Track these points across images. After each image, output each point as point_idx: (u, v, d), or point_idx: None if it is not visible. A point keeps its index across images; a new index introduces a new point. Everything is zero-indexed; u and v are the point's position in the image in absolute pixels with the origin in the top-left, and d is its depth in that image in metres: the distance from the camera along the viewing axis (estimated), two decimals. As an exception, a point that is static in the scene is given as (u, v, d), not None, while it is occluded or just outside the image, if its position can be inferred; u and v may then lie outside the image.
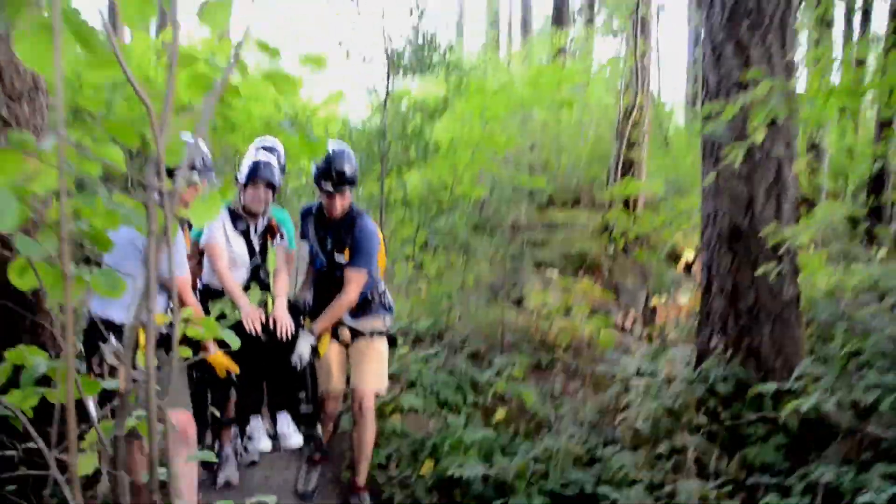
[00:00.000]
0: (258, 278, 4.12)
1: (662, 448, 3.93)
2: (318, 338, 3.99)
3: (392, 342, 4.28)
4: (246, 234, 4.03)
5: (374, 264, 4.01)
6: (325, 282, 4.09)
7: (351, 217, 3.99)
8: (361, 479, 4.10)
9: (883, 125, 9.42)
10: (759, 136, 3.17)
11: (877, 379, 3.57)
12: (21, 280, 1.39)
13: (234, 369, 3.61)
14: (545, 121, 14.29)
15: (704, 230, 4.56)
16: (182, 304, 3.32)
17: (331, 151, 3.88)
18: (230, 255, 3.96)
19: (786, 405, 3.66)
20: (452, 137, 7.48)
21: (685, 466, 3.70)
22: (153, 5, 1.20)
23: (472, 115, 8.01)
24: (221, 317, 3.76)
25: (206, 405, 3.94)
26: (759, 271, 4.08)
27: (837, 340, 4.30)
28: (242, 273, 4.04)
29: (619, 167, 12.99)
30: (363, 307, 4.08)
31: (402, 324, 6.55)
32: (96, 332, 3.22)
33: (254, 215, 3.99)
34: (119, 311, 3.25)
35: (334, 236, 4.01)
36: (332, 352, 4.11)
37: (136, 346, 2.37)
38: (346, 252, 3.95)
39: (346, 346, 4.15)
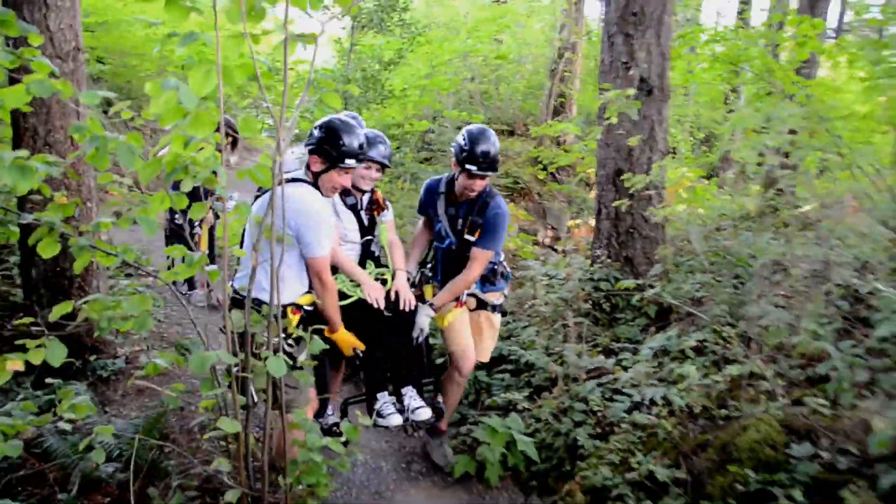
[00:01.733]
0: (370, 254, 4.07)
1: (557, 326, 5.48)
2: (436, 311, 4.03)
3: (504, 314, 4.45)
4: (355, 210, 3.94)
5: (501, 245, 4.08)
6: (452, 258, 4.10)
7: (483, 198, 3.98)
8: (444, 425, 4.41)
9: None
10: (613, 120, 4.67)
11: (702, 279, 5.15)
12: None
13: (360, 346, 3.63)
14: (484, 55, 15.46)
15: (598, 171, 6.07)
16: (321, 282, 3.35)
17: (475, 131, 3.86)
18: (341, 232, 3.88)
19: (643, 296, 5.25)
20: (405, 83, 8.67)
21: (571, 337, 5.26)
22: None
23: (420, 63, 9.20)
24: (340, 295, 3.71)
25: (326, 383, 3.87)
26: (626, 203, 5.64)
27: (686, 254, 5.90)
28: (355, 249, 3.97)
29: (552, 101, 14.33)
30: (489, 278, 4.18)
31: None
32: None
33: (361, 190, 3.93)
34: (264, 292, 3.20)
35: (465, 216, 4.00)
36: (461, 317, 4.19)
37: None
38: (477, 233, 3.96)
39: (470, 310, 4.27)
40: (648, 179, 5.29)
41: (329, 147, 3.31)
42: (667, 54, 5.41)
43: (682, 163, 9.59)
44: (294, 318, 3.29)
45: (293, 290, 3.30)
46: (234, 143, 6.36)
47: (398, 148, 9.08)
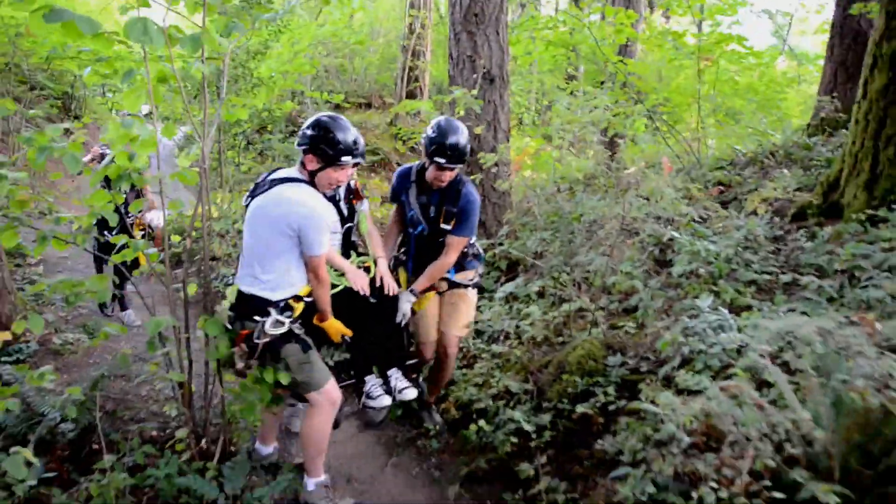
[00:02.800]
0: (350, 243, 4.11)
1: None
2: (417, 296, 4.10)
3: (480, 290, 4.51)
4: (334, 201, 3.95)
5: (475, 230, 4.12)
6: (426, 245, 4.17)
7: (456, 186, 4.02)
8: (432, 397, 4.62)
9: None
10: (461, 112, 5.60)
11: (543, 236, 6.19)
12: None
13: (349, 333, 3.71)
14: (337, 31, 16.03)
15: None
16: (317, 277, 3.43)
17: (444, 123, 3.90)
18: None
19: (494, 252, 6.25)
20: (270, 71, 9.20)
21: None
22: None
23: (284, 49, 9.75)
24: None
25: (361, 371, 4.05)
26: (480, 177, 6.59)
27: (529, 216, 6.95)
28: (336, 239, 3.96)
29: (405, 74, 15.13)
30: (459, 261, 4.21)
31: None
32: (247, 308, 3.40)
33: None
34: (270, 290, 3.38)
35: (439, 205, 4.05)
36: (431, 304, 4.30)
37: (292, 312, 3.38)
38: (453, 222, 4.01)
39: (441, 293, 4.33)
40: (497, 158, 6.24)
41: (325, 145, 3.35)
42: (505, 47, 6.35)
43: (526, 132, 10.69)
44: (298, 307, 3.47)
45: (292, 284, 3.43)
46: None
47: (269, 130, 9.69)
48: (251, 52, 9.05)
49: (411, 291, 4.06)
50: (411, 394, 3.94)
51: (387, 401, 3.86)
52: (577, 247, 5.53)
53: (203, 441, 3.62)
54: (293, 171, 3.48)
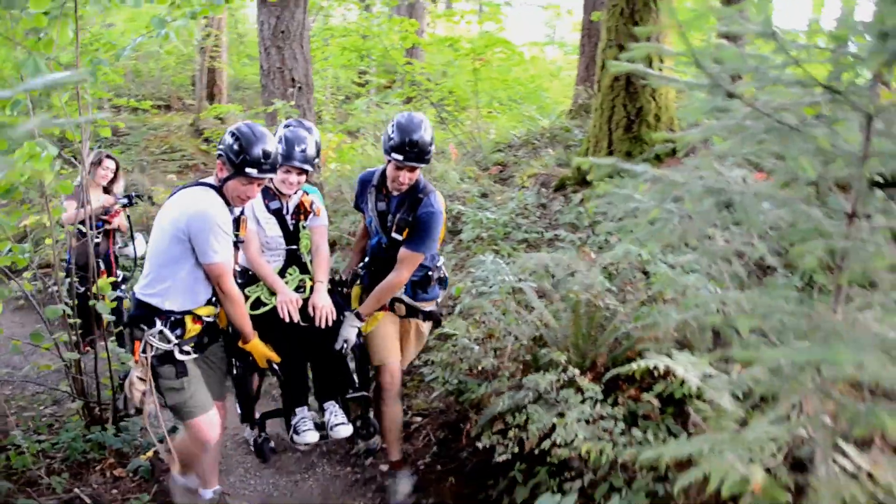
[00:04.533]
0: (297, 260, 3.83)
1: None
2: (363, 320, 3.70)
3: (437, 323, 4.04)
4: (279, 215, 3.72)
5: (433, 247, 3.70)
6: (382, 259, 3.74)
7: (416, 193, 3.62)
8: (395, 454, 3.91)
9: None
10: (282, 119, 6.50)
11: (355, 218, 7.19)
12: None
13: (274, 358, 3.46)
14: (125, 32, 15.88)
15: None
16: (222, 291, 3.20)
17: (404, 119, 3.51)
18: (263, 238, 3.70)
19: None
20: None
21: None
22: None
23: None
24: (257, 303, 3.62)
25: (249, 395, 3.80)
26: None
27: (343, 201, 7.95)
28: (278, 256, 3.77)
29: (204, 76, 15.46)
30: (422, 284, 3.82)
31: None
32: (137, 314, 3.21)
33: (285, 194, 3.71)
34: (160, 298, 3.18)
35: (395, 213, 3.64)
36: (386, 323, 3.81)
37: (184, 331, 3.21)
38: (406, 231, 3.61)
39: (400, 317, 3.88)
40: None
41: (231, 154, 3.13)
42: (308, 59, 7.28)
43: (327, 129, 11.64)
44: (193, 327, 3.26)
45: (186, 297, 3.23)
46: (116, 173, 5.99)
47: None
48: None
49: (356, 315, 3.67)
50: (345, 431, 3.58)
51: (313, 437, 3.53)
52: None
53: (96, 409, 4.32)
54: (210, 179, 3.30)
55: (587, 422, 2.99)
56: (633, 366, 2.68)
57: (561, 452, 2.95)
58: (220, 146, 3.22)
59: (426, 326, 4.01)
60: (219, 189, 3.22)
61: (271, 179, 3.49)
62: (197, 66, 15.48)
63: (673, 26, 1.86)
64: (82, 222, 4.54)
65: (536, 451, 3.16)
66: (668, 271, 3.53)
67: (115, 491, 3.83)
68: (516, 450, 3.27)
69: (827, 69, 1.94)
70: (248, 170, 3.12)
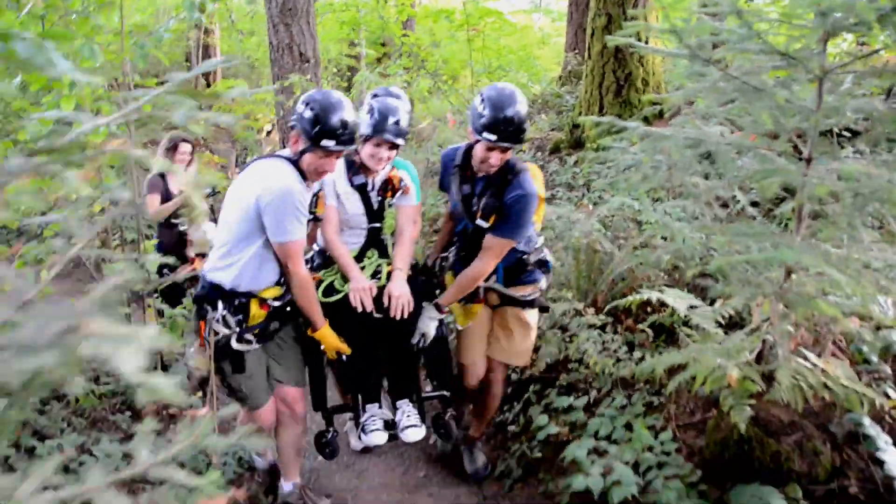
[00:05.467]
0: (378, 242, 3.50)
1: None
2: (443, 312, 3.38)
3: (544, 309, 3.61)
4: (363, 190, 3.36)
5: (524, 233, 3.27)
6: (472, 246, 3.33)
7: (505, 174, 3.18)
8: (477, 432, 3.84)
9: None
10: (297, 92, 6.92)
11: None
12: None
13: (345, 350, 3.20)
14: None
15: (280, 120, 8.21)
16: (291, 274, 2.98)
17: (495, 93, 3.09)
18: (343, 216, 3.37)
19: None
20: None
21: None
22: None
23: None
24: (329, 290, 3.32)
25: (323, 381, 3.51)
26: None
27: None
28: (358, 236, 3.44)
29: (200, 51, 15.72)
30: (517, 271, 3.43)
31: None
32: (207, 297, 3.00)
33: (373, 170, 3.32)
34: (225, 275, 2.96)
35: (481, 196, 3.24)
36: (479, 320, 3.50)
37: (247, 317, 2.99)
38: (493, 218, 3.20)
39: (492, 307, 3.53)
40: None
41: (307, 125, 2.87)
42: (315, 35, 7.65)
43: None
44: (259, 313, 3.06)
45: (252, 277, 3.00)
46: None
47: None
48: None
49: (436, 306, 3.37)
50: (415, 435, 3.28)
51: (380, 439, 3.29)
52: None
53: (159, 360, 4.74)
54: (285, 151, 3.07)
55: (594, 343, 3.51)
56: (630, 298, 3.10)
57: (572, 367, 3.46)
58: (293, 117, 2.98)
59: (530, 315, 3.50)
60: (295, 163, 2.97)
61: (357, 152, 3.27)
62: (192, 42, 15.69)
63: (659, 8, 2.32)
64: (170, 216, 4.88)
65: (549, 375, 3.69)
66: (659, 218, 4.02)
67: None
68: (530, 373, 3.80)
69: (784, 39, 2.41)
70: (324, 142, 2.86)
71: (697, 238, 3.29)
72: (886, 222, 2.94)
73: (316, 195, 3.20)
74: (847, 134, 3.68)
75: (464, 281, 3.26)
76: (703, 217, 3.21)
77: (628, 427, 3.24)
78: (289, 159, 2.98)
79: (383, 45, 14.47)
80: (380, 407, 3.40)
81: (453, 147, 3.45)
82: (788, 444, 2.66)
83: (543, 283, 3.49)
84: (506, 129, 2.99)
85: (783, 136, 2.54)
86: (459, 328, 3.53)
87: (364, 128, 3.13)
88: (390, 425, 3.33)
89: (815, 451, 2.63)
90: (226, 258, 2.96)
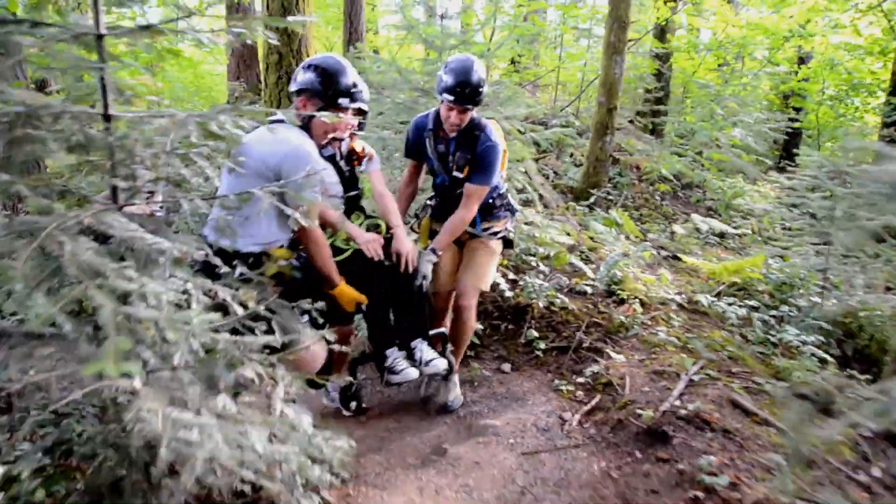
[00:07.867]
0: (359, 208, 3.71)
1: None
2: (438, 255, 3.67)
3: (508, 244, 4.06)
4: (333, 161, 3.55)
5: (495, 178, 3.69)
6: (449, 195, 3.79)
7: (472, 131, 3.62)
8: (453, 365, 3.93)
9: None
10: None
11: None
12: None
13: (363, 300, 3.29)
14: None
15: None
16: (308, 234, 2.96)
17: (454, 61, 3.50)
18: (322, 186, 3.41)
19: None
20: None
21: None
22: None
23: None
24: (335, 250, 3.34)
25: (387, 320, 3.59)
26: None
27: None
28: (337, 207, 3.57)
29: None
30: (484, 213, 3.85)
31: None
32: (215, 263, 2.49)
33: (337, 139, 3.48)
34: (244, 239, 2.82)
35: (455, 152, 3.67)
36: (445, 253, 3.82)
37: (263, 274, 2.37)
38: (466, 169, 3.65)
39: (463, 241, 3.94)
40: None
41: (320, 86, 3.01)
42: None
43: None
44: (271, 266, 2.68)
45: (260, 235, 2.94)
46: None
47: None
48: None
49: (432, 251, 3.66)
50: (440, 365, 3.55)
51: (413, 374, 3.45)
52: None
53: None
54: (279, 116, 3.07)
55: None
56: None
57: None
58: (297, 83, 3.08)
59: (496, 244, 3.95)
60: (302, 127, 3.09)
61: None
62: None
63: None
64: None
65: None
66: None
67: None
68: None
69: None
70: (340, 100, 3.05)
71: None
72: None
73: None
74: None
75: (453, 226, 3.68)
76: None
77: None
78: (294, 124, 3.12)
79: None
80: (398, 350, 3.53)
81: (422, 115, 3.85)
82: None
83: (510, 223, 3.98)
84: (462, 91, 3.42)
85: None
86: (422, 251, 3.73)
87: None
88: (413, 364, 3.52)
89: None
90: (236, 220, 2.88)
